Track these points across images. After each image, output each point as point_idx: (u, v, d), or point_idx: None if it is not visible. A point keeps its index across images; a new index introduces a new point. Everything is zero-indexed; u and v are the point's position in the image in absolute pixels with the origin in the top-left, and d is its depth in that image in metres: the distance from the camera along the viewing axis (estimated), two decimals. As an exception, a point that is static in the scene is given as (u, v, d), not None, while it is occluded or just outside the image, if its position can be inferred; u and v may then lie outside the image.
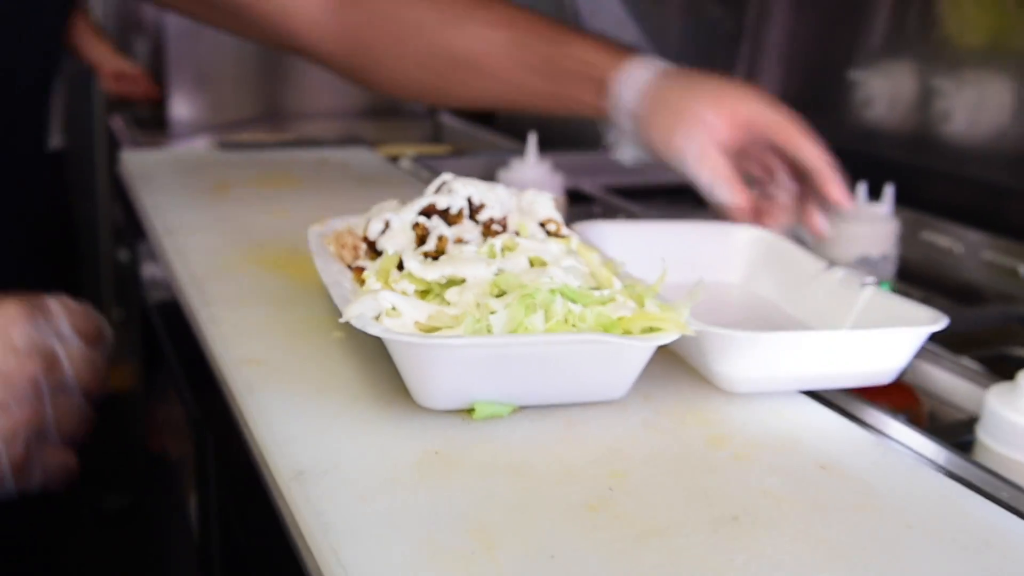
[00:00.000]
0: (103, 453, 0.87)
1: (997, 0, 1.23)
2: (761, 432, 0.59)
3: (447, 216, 0.70)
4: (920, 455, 0.59)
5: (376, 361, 0.64)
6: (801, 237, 0.93)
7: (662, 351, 0.66)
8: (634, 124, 0.90)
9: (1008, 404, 0.65)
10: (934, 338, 0.93)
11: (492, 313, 0.57)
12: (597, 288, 0.62)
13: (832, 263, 0.79)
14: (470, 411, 0.58)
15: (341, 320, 0.57)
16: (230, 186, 1.08)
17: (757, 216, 0.87)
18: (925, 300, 1.07)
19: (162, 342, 1.05)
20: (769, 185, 0.91)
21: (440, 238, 0.66)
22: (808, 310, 0.78)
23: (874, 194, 1.17)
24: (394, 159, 1.34)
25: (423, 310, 0.59)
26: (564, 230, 0.71)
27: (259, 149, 1.35)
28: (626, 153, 0.98)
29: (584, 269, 0.63)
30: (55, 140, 2.20)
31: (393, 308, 0.58)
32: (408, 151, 1.54)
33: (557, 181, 1.33)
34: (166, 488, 1.23)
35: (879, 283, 0.75)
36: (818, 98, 1.48)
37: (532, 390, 0.59)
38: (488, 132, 2.02)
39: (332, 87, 2.29)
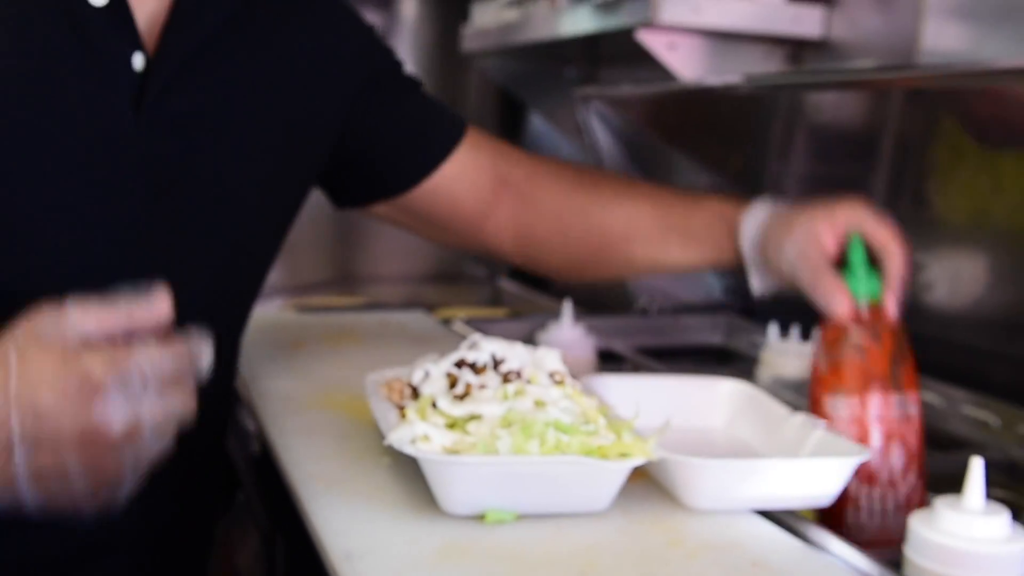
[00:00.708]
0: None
1: (976, 185, 1.41)
2: (712, 538, 0.75)
3: (475, 368, 0.88)
4: (846, 563, 0.74)
5: (413, 480, 0.82)
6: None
7: (642, 476, 0.83)
8: (757, 253, 1.02)
9: (928, 526, 0.80)
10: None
11: (499, 440, 0.75)
12: (585, 423, 0.79)
13: (796, 409, 0.95)
14: (483, 516, 0.75)
15: (385, 443, 0.75)
16: (304, 343, 1.29)
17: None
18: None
19: (242, 477, 1.23)
20: None
21: (467, 385, 0.85)
22: (774, 448, 0.94)
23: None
24: (447, 321, 1.53)
25: (449, 438, 0.77)
26: (568, 380, 0.89)
27: (329, 312, 1.56)
28: (754, 283, 1.07)
29: (577, 409, 0.81)
30: None
31: (425, 436, 0.76)
32: (464, 314, 1.74)
33: (589, 343, 1.51)
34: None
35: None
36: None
37: (531, 501, 0.76)
38: (544, 297, 2.21)
39: (400, 253, 2.48)
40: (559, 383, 0.87)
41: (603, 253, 1.14)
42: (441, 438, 0.76)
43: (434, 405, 0.81)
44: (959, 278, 1.39)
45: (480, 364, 0.88)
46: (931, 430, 1.33)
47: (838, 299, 0.91)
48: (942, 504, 0.79)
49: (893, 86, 1.42)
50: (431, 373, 0.87)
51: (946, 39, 1.43)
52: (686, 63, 1.65)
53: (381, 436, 0.81)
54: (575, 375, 0.91)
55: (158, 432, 0.64)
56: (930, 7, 1.34)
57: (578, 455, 0.74)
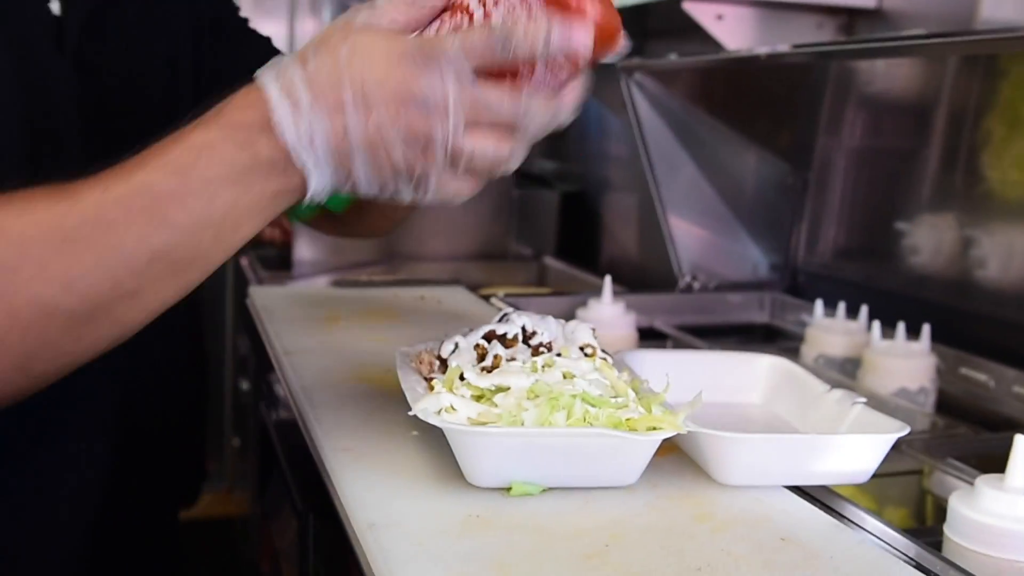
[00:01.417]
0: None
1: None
2: (740, 512, 0.73)
3: (504, 340, 0.87)
4: (877, 539, 0.72)
5: (441, 453, 0.81)
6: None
7: (673, 450, 0.82)
8: None
9: (969, 506, 0.78)
10: (964, 459, 1.05)
11: (525, 411, 0.73)
12: (614, 396, 0.78)
13: (834, 386, 0.93)
14: (508, 489, 0.74)
15: (410, 413, 0.74)
16: (340, 318, 1.28)
17: None
18: (950, 426, 1.19)
19: (277, 452, 1.23)
20: None
21: (495, 356, 0.84)
22: (812, 425, 0.91)
23: (916, 333, 1.30)
24: (487, 297, 1.52)
25: (475, 409, 0.76)
26: (599, 353, 0.88)
27: (366, 287, 1.56)
28: None
29: (606, 382, 0.80)
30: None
31: (451, 407, 0.75)
32: (504, 291, 1.72)
33: (630, 320, 1.49)
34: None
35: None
36: (872, 246, 1.62)
37: (558, 474, 0.75)
38: (589, 275, 2.20)
39: (445, 232, 2.48)
40: (590, 356, 0.86)
41: None
42: (467, 409, 0.75)
43: (462, 377, 0.80)
44: (1012, 254, 1.36)
45: (510, 336, 0.87)
46: (981, 410, 1.31)
47: None
48: (983, 483, 0.77)
49: (947, 53, 1.38)
50: (460, 345, 0.86)
51: (1005, 9, 1.39)
52: (734, 34, 1.62)
53: (410, 408, 0.80)
54: (612, 351, 0.90)
55: (480, 156, 0.67)
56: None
57: (606, 428, 0.73)
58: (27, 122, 0.82)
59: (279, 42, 1.10)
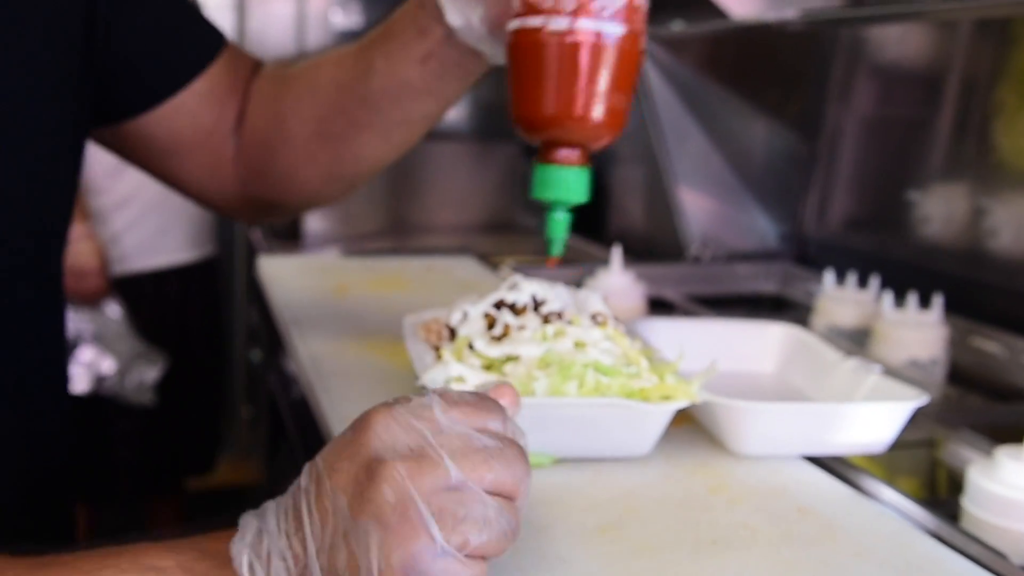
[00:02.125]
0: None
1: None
2: (756, 484, 0.72)
3: (514, 309, 0.85)
4: (895, 510, 0.71)
5: (451, 423, 0.80)
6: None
7: (688, 421, 0.81)
8: None
9: (987, 476, 0.77)
10: (977, 429, 1.04)
11: (536, 381, 0.72)
12: (627, 365, 0.77)
13: (849, 353, 0.91)
14: (519, 460, 0.73)
15: (418, 383, 0.73)
16: (349, 287, 1.27)
17: None
18: (961, 398, 1.18)
19: (287, 424, 1.23)
20: None
21: (505, 325, 0.82)
22: (826, 394, 0.90)
23: (928, 303, 1.29)
24: (496, 265, 1.51)
25: (483, 378, 0.74)
26: (610, 322, 0.86)
27: (375, 256, 1.54)
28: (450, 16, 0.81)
29: (618, 351, 0.78)
30: (208, 249, 2.48)
31: (460, 377, 0.74)
32: (513, 260, 1.71)
33: (639, 290, 1.47)
34: None
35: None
36: (883, 216, 1.60)
37: (569, 445, 0.74)
38: (597, 246, 2.18)
39: (453, 202, 2.49)
40: (601, 324, 0.85)
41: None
42: (476, 379, 0.74)
43: (471, 346, 0.79)
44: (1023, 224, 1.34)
45: (520, 305, 0.85)
46: (992, 381, 1.29)
47: None
48: (1002, 454, 0.75)
49: (960, 18, 1.35)
50: (469, 314, 0.85)
51: (1019, -28, 1.37)
52: (741, 1, 1.60)
53: (418, 378, 0.79)
54: (621, 320, 0.89)
55: None
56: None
57: (618, 397, 0.72)
58: None
59: (287, 19, 1.03)
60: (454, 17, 0.78)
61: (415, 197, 2.46)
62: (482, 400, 0.56)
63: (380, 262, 1.48)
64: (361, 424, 0.54)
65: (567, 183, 0.73)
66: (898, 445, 0.86)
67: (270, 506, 0.54)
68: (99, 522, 2.45)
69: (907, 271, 1.49)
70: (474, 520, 0.50)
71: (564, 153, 0.72)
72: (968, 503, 0.77)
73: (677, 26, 1.71)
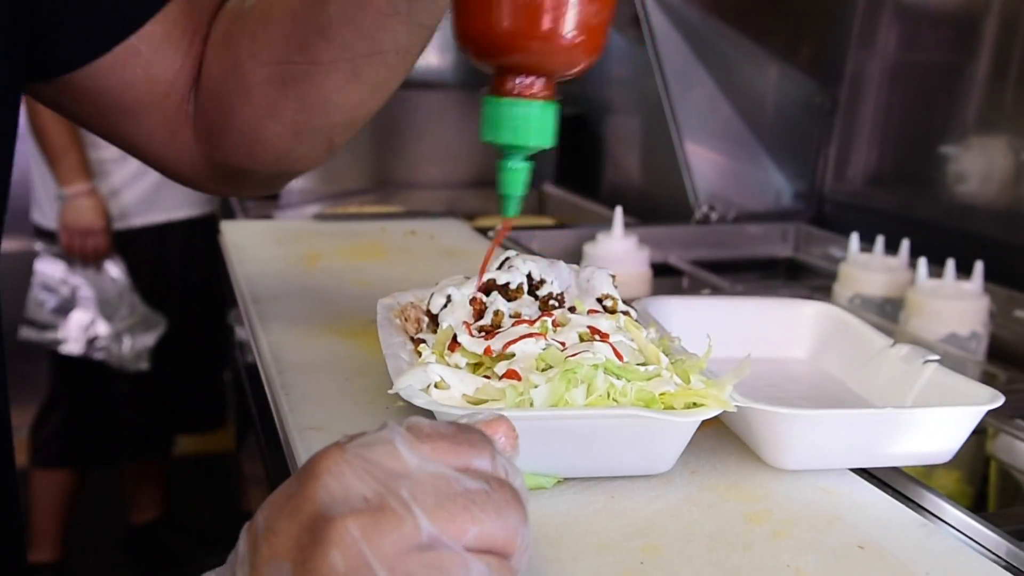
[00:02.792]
0: (204, 514, 0.85)
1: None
2: (803, 509, 0.59)
3: (507, 292, 0.72)
4: (971, 540, 0.59)
5: (432, 430, 0.67)
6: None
7: (713, 425, 0.68)
8: None
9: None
10: (1019, 414, 0.92)
11: (534, 387, 0.59)
12: (644, 364, 0.63)
13: (897, 340, 0.78)
14: (515, 481, 0.60)
15: (390, 391, 0.60)
16: (320, 256, 1.13)
17: None
18: (1012, 379, 1.05)
19: (249, 404, 1.10)
20: None
21: (496, 313, 0.69)
22: (872, 387, 0.77)
23: (965, 271, 1.16)
24: (485, 231, 1.37)
25: (471, 383, 0.61)
26: (620, 306, 0.73)
27: (352, 220, 1.40)
28: None
29: (632, 345, 0.65)
30: (210, 206, 2.39)
31: (442, 380, 0.61)
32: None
33: (643, 255, 1.35)
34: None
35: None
36: (911, 173, 1.47)
37: (575, 462, 0.60)
38: (592, 204, 2.06)
39: (440, 159, 2.38)
40: (611, 312, 0.71)
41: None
42: (461, 384, 0.61)
43: (455, 340, 0.66)
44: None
45: (513, 287, 0.72)
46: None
47: None
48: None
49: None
50: (454, 298, 0.72)
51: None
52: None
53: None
54: (629, 297, 0.75)
55: None
56: None
57: (635, 407, 0.58)
58: None
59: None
60: None
61: (399, 152, 2.36)
62: (462, 432, 0.43)
63: (358, 226, 1.33)
64: (307, 471, 0.41)
65: (527, 122, 0.58)
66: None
67: None
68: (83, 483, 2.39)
69: (938, 234, 1.36)
70: None
71: (524, 83, 0.57)
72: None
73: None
